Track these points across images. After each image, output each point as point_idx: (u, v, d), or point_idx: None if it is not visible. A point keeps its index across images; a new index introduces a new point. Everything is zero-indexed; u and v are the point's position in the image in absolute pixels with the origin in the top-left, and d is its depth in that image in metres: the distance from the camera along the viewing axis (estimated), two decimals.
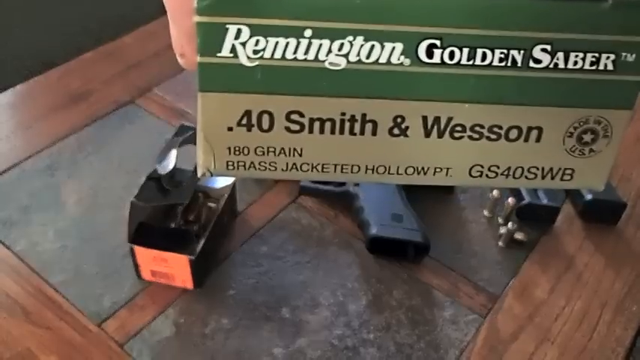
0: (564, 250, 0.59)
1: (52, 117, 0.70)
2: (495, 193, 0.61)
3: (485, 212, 0.62)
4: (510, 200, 0.60)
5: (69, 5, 0.82)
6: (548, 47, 0.15)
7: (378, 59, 0.16)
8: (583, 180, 0.18)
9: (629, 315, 0.54)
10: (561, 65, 0.16)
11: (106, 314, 0.51)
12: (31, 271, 0.54)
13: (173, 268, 0.51)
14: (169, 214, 0.49)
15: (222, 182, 0.58)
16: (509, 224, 0.58)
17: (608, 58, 0.16)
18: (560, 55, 0.16)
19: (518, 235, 0.59)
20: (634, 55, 0.16)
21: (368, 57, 0.16)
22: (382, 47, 0.15)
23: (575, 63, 0.16)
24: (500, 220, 0.61)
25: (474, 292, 0.55)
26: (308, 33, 0.15)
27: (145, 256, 0.51)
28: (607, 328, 0.53)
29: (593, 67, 0.16)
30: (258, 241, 0.58)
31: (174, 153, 0.48)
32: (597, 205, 0.61)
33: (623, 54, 0.16)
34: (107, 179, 0.63)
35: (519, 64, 0.16)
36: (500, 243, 0.59)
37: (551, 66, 0.16)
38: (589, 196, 0.61)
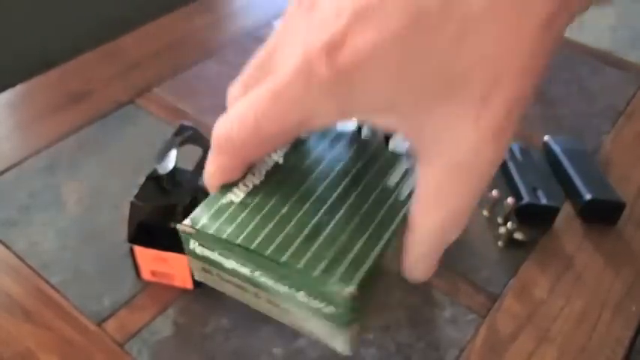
0: (564, 250, 0.59)
1: (52, 117, 0.70)
2: (495, 192, 0.61)
3: (485, 212, 0.62)
4: (510, 200, 0.60)
5: (69, 5, 0.82)
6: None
7: None
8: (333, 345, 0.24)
9: (629, 315, 0.54)
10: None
11: (105, 314, 0.51)
12: (30, 271, 0.54)
13: (173, 268, 0.51)
14: (169, 214, 0.49)
15: None
16: (509, 224, 0.58)
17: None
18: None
19: (518, 235, 0.59)
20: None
21: None
22: None
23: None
24: (499, 220, 0.61)
25: (474, 292, 0.55)
26: None
27: (145, 255, 0.51)
28: (606, 328, 0.53)
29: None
30: None
31: (174, 153, 0.48)
32: (597, 204, 0.61)
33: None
34: (107, 179, 0.63)
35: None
36: (499, 243, 0.59)
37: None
38: (588, 196, 0.61)
